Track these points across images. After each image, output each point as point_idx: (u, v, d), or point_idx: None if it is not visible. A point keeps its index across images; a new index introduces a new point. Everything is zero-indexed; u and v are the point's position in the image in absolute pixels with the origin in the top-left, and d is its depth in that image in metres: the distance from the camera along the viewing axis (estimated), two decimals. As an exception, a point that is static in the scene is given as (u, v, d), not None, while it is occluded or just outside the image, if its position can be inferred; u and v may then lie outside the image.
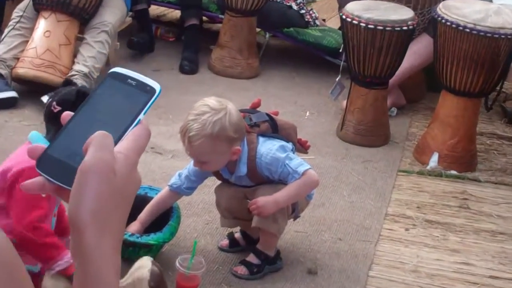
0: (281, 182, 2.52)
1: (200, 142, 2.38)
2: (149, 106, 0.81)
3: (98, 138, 0.74)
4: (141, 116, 0.80)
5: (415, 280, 2.73)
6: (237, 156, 2.46)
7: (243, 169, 2.50)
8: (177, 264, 2.43)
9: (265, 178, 2.53)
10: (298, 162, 2.46)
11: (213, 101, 2.43)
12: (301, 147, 2.73)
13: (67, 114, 0.80)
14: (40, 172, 0.78)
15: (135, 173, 0.77)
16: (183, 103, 3.97)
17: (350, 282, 2.66)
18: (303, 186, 2.48)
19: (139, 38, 4.48)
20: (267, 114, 2.58)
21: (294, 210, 2.61)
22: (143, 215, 2.63)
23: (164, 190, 2.68)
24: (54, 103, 2.26)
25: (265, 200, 2.47)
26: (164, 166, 3.30)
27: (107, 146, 0.74)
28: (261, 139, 2.51)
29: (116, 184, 0.74)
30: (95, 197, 0.72)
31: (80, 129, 0.79)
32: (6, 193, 2.17)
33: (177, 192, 2.66)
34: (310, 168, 2.48)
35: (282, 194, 2.47)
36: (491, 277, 2.79)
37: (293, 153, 2.56)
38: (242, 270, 2.66)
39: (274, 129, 2.56)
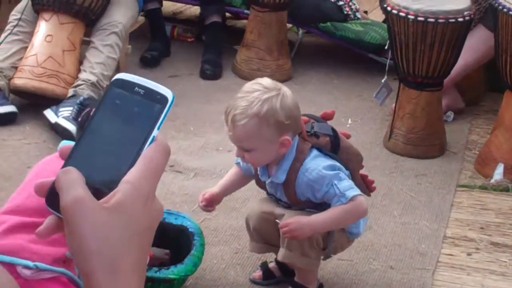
0: (320, 207, 2.50)
1: (245, 122, 2.36)
2: (163, 119, 0.79)
3: (61, 179, 0.75)
4: (154, 133, 0.78)
5: (480, 314, 2.70)
6: (286, 150, 2.43)
7: (281, 177, 2.49)
8: None
9: (301, 199, 2.51)
10: (348, 185, 2.43)
11: (268, 80, 2.46)
12: (365, 186, 2.66)
13: (65, 147, 0.80)
14: (51, 210, 0.78)
15: (151, 204, 0.77)
16: (205, 113, 3.99)
17: (404, 317, 2.64)
18: (347, 214, 2.45)
19: (152, 52, 4.53)
20: (333, 130, 2.56)
21: (327, 246, 2.58)
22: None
23: (233, 167, 2.73)
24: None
25: (299, 221, 2.45)
26: (186, 187, 3.31)
27: (73, 182, 0.74)
28: (314, 152, 2.48)
29: (122, 220, 0.74)
30: (92, 239, 0.73)
31: (85, 158, 0.78)
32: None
33: (240, 169, 2.67)
34: (360, 195, 2.45)
35: (321, 218, 2.46)
36: None
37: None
38: (278, 306, 2.65)
39: (334, 148, 2.53)
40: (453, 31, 3.57)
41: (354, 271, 2.86)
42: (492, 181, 3.54)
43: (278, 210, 2.56)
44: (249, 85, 2.44)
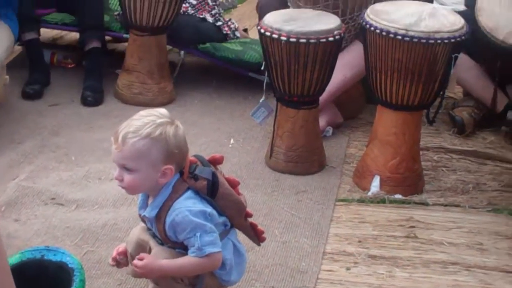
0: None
1: (136, 140, 2.39)
2: None
3: None
4: None
5: (359, 328, 2.78)
6: (166, 181, 2.46)
7: (153, 212, 2.51)
8: None
9: (170, 239, 2.54)
10: (209, 240, 2.47)
11: (164, 110, 2.51)
12: (254, 235, 2.72)
13: None
14: None
15: None
16: (88, 142, 3.98)
17: (285, 337, 2.71)
18: (199, 267, 2.50)
19: (33, 86, 4.48)
20: (214, 175, 2.57)
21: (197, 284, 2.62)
22: None
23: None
24: None
25: (149, 266, 2.48)
26: (67, 219, 3.28)
27: None
28: (188, 193, 2.50)
29: None
30: None
31: None
32: None
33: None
34: (218, 252, 2.49)
35: (173, 265, 2.49)
36: (443, 315, 2.87)
37: (225, 228, 2.58)
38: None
39: (210, 193, 2.56)
40: (324, 50, 3.68)
41: (236, 294, 2.91)
42: (369, 193, 3.66)
43: (152, 243, 2.59)
44: (145, 111, 2.50)
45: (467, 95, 4.58)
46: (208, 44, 4.67)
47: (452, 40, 3.47)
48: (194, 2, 4.71)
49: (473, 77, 4.44)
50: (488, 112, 4.44)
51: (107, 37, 4.93)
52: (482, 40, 4.11)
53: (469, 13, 4.07)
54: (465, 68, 4.34)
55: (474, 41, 4.19)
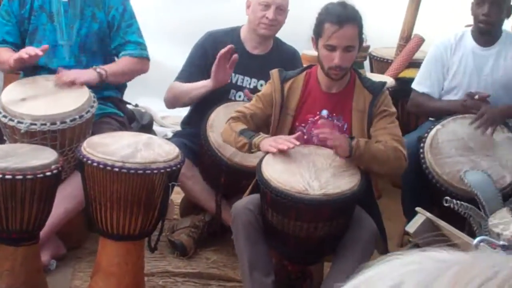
0: None
1: None
2: None
3: None
4: None
5: None
6: None
7: None
8: None
9: None
10: None
11: None
12: None
13: None
14: None
15: None
16: None
17: None
18: None
19: None
20: None
21: None
22: None
23: None
24: None
25: None
26: None
27: None
28: None
29: None
30: None
31: None
32: None
33: None
34: None
35: None
36: None
37: None
38: None
39: None
40: (42, 185, 3.60)
41: None
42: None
43: None
44: None
45: (183, 215, 4.67)
46: None
47: (168, 170, 3.56)
48: None
49: (199, 190, 4.51)
50: (211, 229, 4.55)
51: None
52: (210, 156, 4.26)
53: (185, 133, 4.40)
54: (192, 178, 4.42)
55: (201, 161, 4.36)
